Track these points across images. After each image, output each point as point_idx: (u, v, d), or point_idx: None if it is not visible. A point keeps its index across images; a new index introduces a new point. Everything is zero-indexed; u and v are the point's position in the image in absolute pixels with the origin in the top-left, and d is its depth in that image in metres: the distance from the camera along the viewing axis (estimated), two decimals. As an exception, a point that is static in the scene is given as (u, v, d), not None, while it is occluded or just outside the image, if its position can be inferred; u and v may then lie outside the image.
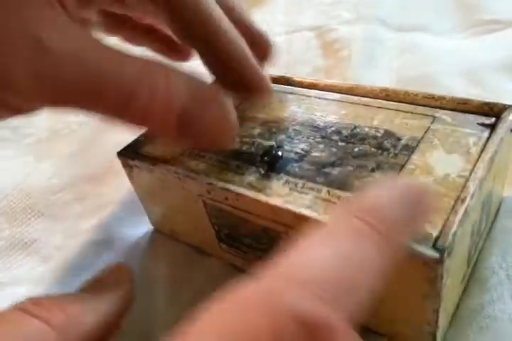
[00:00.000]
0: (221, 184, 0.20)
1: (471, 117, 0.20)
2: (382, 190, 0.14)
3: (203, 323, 0.11)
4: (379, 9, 0.50)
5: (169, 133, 0.18)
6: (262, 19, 0.56)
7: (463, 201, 0.16)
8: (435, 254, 0.15)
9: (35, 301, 0.15)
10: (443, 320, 0.18)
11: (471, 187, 0.17)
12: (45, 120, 0.43)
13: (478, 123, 0.20)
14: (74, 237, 0.29)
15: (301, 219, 0.18)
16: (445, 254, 0.15)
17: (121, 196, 0.31)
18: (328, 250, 0.12)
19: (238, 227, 0.21)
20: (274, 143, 0.22)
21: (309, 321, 0.10)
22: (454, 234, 0.15)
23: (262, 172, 0.20)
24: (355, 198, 0.14)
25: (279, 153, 0.21)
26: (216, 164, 0.21)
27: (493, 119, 0.20)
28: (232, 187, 0.19)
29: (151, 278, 0.25)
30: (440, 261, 0.15)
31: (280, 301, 0.11)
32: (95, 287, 0.17)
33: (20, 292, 0.26)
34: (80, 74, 0.16)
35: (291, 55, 0.47)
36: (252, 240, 0.21)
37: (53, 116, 0.43)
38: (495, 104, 0.20)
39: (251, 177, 0.20)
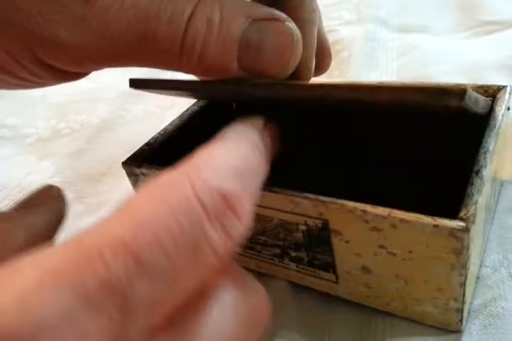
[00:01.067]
0: None
1: None
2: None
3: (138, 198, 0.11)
4: (379, 10, 0.50)
5: (230, 67, 0.17)
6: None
7: (477, 173, 0.17)
8: (461, 224, 0.15)
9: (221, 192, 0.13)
10: (468, 296, 0.18)
11: (482, 159, 0.17)
12: (46, 119, 0.43)
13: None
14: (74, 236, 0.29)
15: (320, 206, 0.17)
16: (469, 223, 0.15)
17: (122, 195, 0.31)
18: (234, 152, 0.13)
19: (253, 226, 0.21)
20: None
21: (227, 193, 0.12)
22: (476, 203, 0.16)
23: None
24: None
25: None
26: None
27: (490, 98, 0.21)
28: None
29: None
30: (466, 230, 0.15)
31: (199, 179, 0.12)
32: (25, 206, 0.16)
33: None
34: (130, 16, 0.15)
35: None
36: (268, 237, 0.21)
37: (54, 116, 0.44)
38: (489, 87, 0.21)
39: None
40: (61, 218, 0.17)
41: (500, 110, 0.20)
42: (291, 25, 0.17)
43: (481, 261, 0.22)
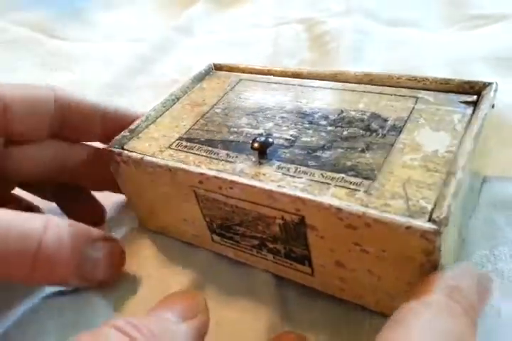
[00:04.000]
0: (213, 173, 0.19)
1: (454, 96, 0.21)
2: (459, 272, 0.16)
3: None
4: (368, 3, 0.50)
5: (69, 278, 0.21)
6: (250, 11, 0.56)
7: (454, 174, 0.17)
8: (433, 226, 0.15)
9: (129, 321, 0.15)
10: None
11: (460, 160, 0.17)
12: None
13: (460, 101, 0.21)
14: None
15: (297, 202, 0.17)
16: (442, 226, 0.15)
17: (105, 195, 0.30)
18: (437, 326, 0.14)
19: (232, 217, 0.21)
20: (262, 131, 0.22)
21: None
22: (449, 206, 0.16)
23: (253, 159, 0.20)
24: (439, 276, 0.16)
25: (270, 140, 0.20)
26: (205, 155, 0.21)
27: (475, 97, 0.21)
28: (225, 176, 0.19)
29: (142, 274, 0.24)
30: (438, 233, 0.15)
31: None
32: (175, 312, 0.17)
33: None
34: None
35: (279, 48, 0.46)
36: (246, 228, 0.21)
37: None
38: (475, 83, 0.21)
39: (243, 165, 0.20)
40: (204, 336, 0.18)
41: (484, 108, 0.19)
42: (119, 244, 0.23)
43: (457, 258, 0.22)
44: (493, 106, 0.20)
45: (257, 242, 0.21)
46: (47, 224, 0.20)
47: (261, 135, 0.21)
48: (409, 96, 0.22)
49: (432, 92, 0.22)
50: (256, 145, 0.20)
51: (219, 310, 0.21)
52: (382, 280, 0.18)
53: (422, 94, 0.22)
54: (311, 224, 0.18)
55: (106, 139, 0.24)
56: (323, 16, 0.49)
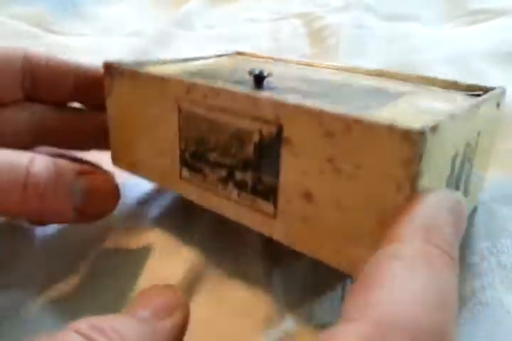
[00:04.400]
0: (202, 82, 0.20)
1: (461, 92, 0.22)
2: (434, 206, 0.14)
3: None
4: (367, -3, 0.50)
5: (67, 211, 0.21)
6: (249, 6, 0.56)
7: (452, 111, 0.16)
8: (418, 127, 0.14)
9: (92, 323, 0.14)
10: None
11: (460, 107, 0.17)
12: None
13: (467, 94, 0.21)
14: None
15: (279, 108, 0.18)
16: (429, 131, 0.14)
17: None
18: (415, 284, 0.12)
19: (208, 138, 0.21)
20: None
21: None
22: (442, 121, 0.15)
23: (248, 86, 0.21)
24: (414, 213, 0.14)
25: (265, 73, 0.21)
26: (202, 78, 0.23)
27: (482, 92, 0.21)
28: (215, 84, 0.20)
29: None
30: (423, 134, 0.14)
31: None
32: (150, 310, 0.16)
33: None
34: None
35: (278, 43, 0.46)
36: (219, 155, 0.21)
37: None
38: (484, 86, 0.21)
39: (235, 86, 0.20)
40: (183, 334, 0.17)
41: (487, 98, 0.20)
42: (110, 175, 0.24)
43: (465, 249, 0.22)
44: (498, 106, 0.20)
45: (225, 173, 0.21)
46: (33, 157, 0.20)
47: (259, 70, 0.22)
48: (418, 87, 0.22)
49: (439, 89, 0.22)
50: (252, 74, 0.21)
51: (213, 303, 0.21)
52: (348, 214, 0.17)
53: (429, 89, 0.22)
54: (288, 136, 0.18)
55: (80, 98, 0.25)
56: (322, 11, 0.49)
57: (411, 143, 0.14)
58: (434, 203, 0.14)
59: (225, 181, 0.21)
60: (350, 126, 0.15)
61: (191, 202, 0.23)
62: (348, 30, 0.44)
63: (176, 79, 0.21)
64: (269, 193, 0.19)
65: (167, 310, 0.16)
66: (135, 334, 0.15)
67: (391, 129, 0.14)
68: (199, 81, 0.20)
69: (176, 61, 0.27)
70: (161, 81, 0.22)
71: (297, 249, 0.20)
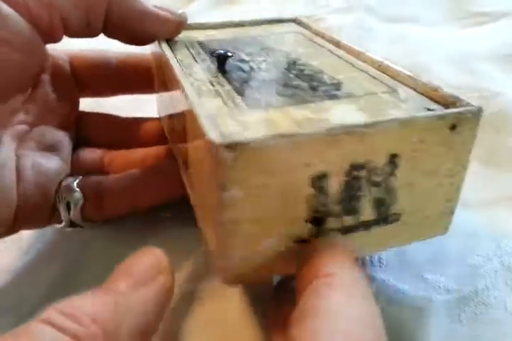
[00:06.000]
0: (171, 61, 0.21)
1: (428, 103, 0.18)
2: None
3: None
4: (368, -1, 0.50)
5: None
6: (251, 8, 0.56)
7: (301, 129, 0.15)
8: (215, 139, 0.14)
9: (61, 310, 0.13)
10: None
11: (323, 126, 0.15)
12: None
13: (424, 108, 0.18)
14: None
15: (179, 86, 0.19)
16: (230, 147, 0.14)
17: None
18: (352, 311, 0.13)
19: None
20: (249, 58, 0.23)
21: None
22: (257, 139, 0.14)
23: (211, 66, 0.22)
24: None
25: (229, 54, 0.22)
26: (193, 52, 0.24)
27: (442, 107, 0.18)
28: (171, 63, 0.21)
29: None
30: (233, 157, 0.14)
31: None
32: (128, 280, 0.15)
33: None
34: None
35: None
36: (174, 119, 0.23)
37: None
38: (459, 100, 0.17)
39: (199, 65, 0.22)
40: (170, 296, 0.16)
41: (431, 115, 0.16)
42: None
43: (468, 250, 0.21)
44: (453, 128, 0.16)
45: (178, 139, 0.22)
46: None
47: (228, 51, 0.23)
48: (388, 86, 0.20)
49: (414, 93, 0.19)
50: (216, 54, 0.22)
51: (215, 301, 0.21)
52: (197, 198, 0.19)
53: (403, 90, 0.19)
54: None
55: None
56: (323, 12, 0.49)
57: (213, 152, 0.14)
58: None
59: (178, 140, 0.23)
60: (185, 114, 0.18)
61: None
62: (350, 31, 0.44)
63: (161, 54, 0.23)
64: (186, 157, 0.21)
65: (147, 276, 0.15)
66: (107, 310, 0.14)
67: (203, 135, 0.14)
68: (170, 60, 0.22)
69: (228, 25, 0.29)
70: (162, 57, 0.23)
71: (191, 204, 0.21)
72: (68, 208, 0.24)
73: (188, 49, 0.24)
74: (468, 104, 0.17)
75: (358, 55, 0.24)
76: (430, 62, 0.37)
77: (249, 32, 0.28)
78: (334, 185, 0.16)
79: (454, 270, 0.21)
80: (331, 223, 0.17)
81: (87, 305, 0.14)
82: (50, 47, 0.24)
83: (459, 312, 0.20)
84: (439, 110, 0.17)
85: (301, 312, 0.13)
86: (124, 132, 0.28)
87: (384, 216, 0.18)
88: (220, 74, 0.21)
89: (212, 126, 0.15)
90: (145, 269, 0.16)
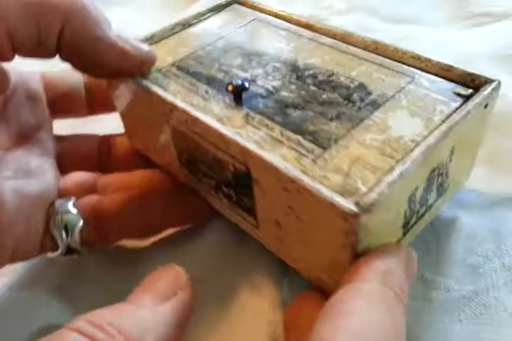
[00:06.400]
0: (182, 105, 0.20)
1: (450, 85, 0.20)
2: (389, 256, 0.16)
3: None
4: (371, 0, 0.50)
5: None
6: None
7: (403, 163, 0.16)
8: (354, 210, 0.15)
9: (89, 320, 0.14)
10: None
11: (416, 152, 0.17)
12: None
13: (454, 92, 0.20)
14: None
15: (245, 153, 0.18)
16: (364, 212, 0.15)
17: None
18: (372, 316, 0.14)
19: (195, 153, 0.21)
20: (249, 75, 0.22)
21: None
22: (381, 193, 0.15)
23: (227, 101, 0.20)
24: (370, 260, 0.16)
25: (246, 85, 0.20)
26: (186, 86, 0.21)
27: (470, 91, 0.19)
28: (192, 111, 0.20)
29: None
30: (357, 217, 0.15)
31: None
32: (151, 295, 0.16)
33: None
34: None
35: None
36: (207, 168, 0.21)
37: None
38: (477, 76, 0.20)
39: (215, 105, 0.20)
40: (190, 310, 0.17)
41: (472, 105, 0.18)
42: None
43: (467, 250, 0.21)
44: (485, 106, 0.19)
45: (214, 183, 0.21)
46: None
47: (244, 79, 0.21)
48: (406, 75, 0.21)
49: (431, 76, 0.21)
50: (230, 87, 0.20)
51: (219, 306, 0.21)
52: (310, 250, 0.18)
53: (420, 75, 0.21)
54: (256, 177, 0.18)
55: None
56: (326, 13, 0.49)
57: (349, 222, 0.15)
58: (387, 251, 0.16)
59: (215, 189, 0.22)
60: (301, 191, 0.16)
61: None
62: (352, 32, 0.44)
63: (159, 97, 0.21)
64: (250, 210, 0.20)
65: (169, 292, 0.16)
66: (132, 323, 0.15)
67: (332, 206, 0.15)
68: (179, 104, 0.20)
69: (168, 35, 0.26)
70: (149, 97, 0.21)
71: (276, 254, 0.21)
72: (66, 232, 0.22)
73: (172, 79, 0.22)
74: (486, 80, 0.19)
75: (344, 38, 0.24)
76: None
77: (207, 32, 0.26)
78: (419, 191, 0.18)
79: (454, 270, 0.21)
80: (413, 220, 0.19)
81: (113, 317, 0.15)
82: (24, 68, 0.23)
83: (459, 312, 0.20)
84: (471, 94, 0.19)
85: (327, 310, 0.14)
86: (102, 153, 0.26)
87: (441, 192, 0.21)
88: (245, 110, 0.20)
89: (335, 196, 0.15)
90: (167, 285, 0.17)
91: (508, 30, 0.41)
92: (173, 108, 0.20)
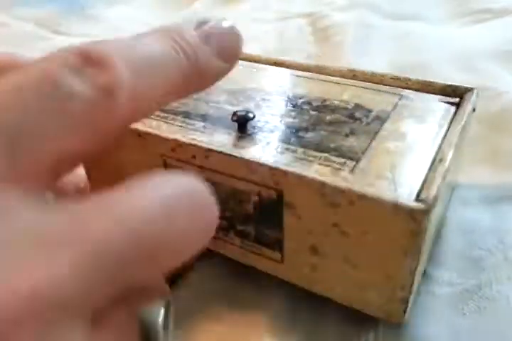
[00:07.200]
0: (189, 140, 0.19)
1: (436, 97, 0.21)
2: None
3: None
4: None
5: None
6: (255, 6, 0.56)
7: (441, 161, 0.17)
8: (421, 205, 0.15)
9: (84, 50, 0.11)
10: (415, 287, 0.18)
11: (447, 150, 0.17)
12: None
13: (443, 101, 0.21)
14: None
15: (278, 175, 0.17)
16: (430, 206, 0.15)
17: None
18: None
19: None
20: (241, 108, 0.21)
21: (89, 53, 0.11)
22: (439, 187, 0.16)
23: (232, 133, 0.19)
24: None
25: (250, 115, 0.19)
26: (180, 124, 0.20)
27: (458, 99, 0.21)
28: (202, 144, 0.18)
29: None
30: (426, 213, 0.15)
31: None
32: None
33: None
34: None
35: (285, 42, 0.47)
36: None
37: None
38: (457, 86, 0.21)
39: (220, 137, 0.19)
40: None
41: (466, 110, 0.20)
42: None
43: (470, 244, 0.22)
44: (474, 110, 0.21)
45: (226, 223, 0.20)
46: None
47: (247, 110, 0.20)
48: (393, 93, 0.22)
49: (414, 92, 0.22)
50: (235, 117, 0.19)
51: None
52: (357, 268, 0.18)
53: (405, 92, 0.22)
54: (290, 201, 0.18)
55: None
56: (328, 10, 0.50)
57: (416, 220, 0.15)
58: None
59: (226, 230, 0.21)
60: (354, 201, 0.16)
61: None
62: (354, 28, 0.45)
63: (157, 137, 0.19)
64: (274, 244, 0.20)
65: None
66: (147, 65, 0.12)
67: (396, 207, 0.15)
68: (184, 140, 0.19)
69: None
70: (139, 138, 0.20)
71: (307, 288, 0.20)
72: None
73: (160, 121, 0.21)
74: (466, 88, 0.21)
75: (320, 70, 0.24)
76: (432, 60, 0.38)
77: None
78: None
79: (457, 264, 0.22)
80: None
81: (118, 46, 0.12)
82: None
83: (462, 305, 0.20)
84: (459, 101, 0.21)
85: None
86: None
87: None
88: (256, 138, 0.19)
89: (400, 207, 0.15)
90: None
91: (508, 27, 0.41)
92: (176, 146, 0.19)
